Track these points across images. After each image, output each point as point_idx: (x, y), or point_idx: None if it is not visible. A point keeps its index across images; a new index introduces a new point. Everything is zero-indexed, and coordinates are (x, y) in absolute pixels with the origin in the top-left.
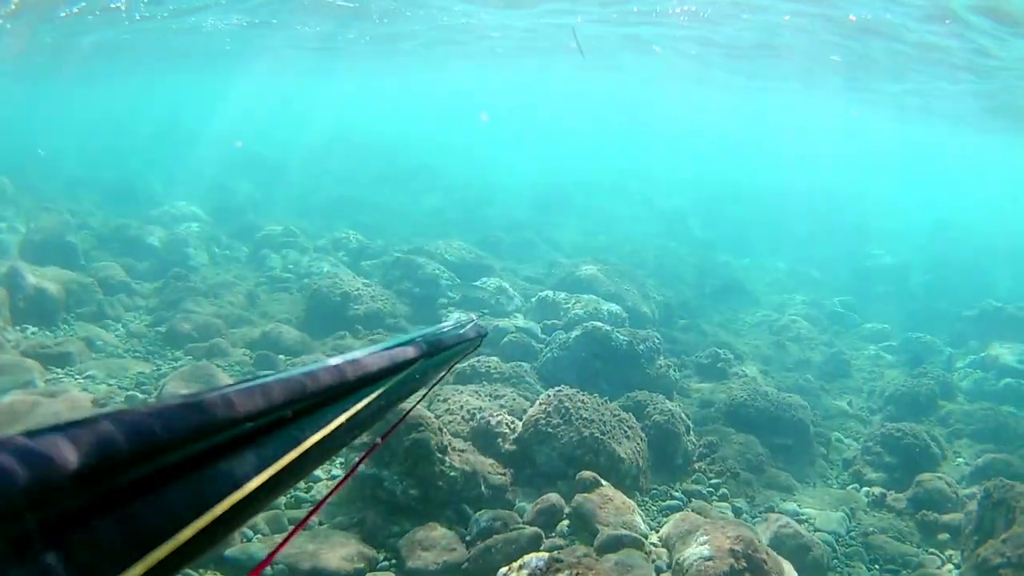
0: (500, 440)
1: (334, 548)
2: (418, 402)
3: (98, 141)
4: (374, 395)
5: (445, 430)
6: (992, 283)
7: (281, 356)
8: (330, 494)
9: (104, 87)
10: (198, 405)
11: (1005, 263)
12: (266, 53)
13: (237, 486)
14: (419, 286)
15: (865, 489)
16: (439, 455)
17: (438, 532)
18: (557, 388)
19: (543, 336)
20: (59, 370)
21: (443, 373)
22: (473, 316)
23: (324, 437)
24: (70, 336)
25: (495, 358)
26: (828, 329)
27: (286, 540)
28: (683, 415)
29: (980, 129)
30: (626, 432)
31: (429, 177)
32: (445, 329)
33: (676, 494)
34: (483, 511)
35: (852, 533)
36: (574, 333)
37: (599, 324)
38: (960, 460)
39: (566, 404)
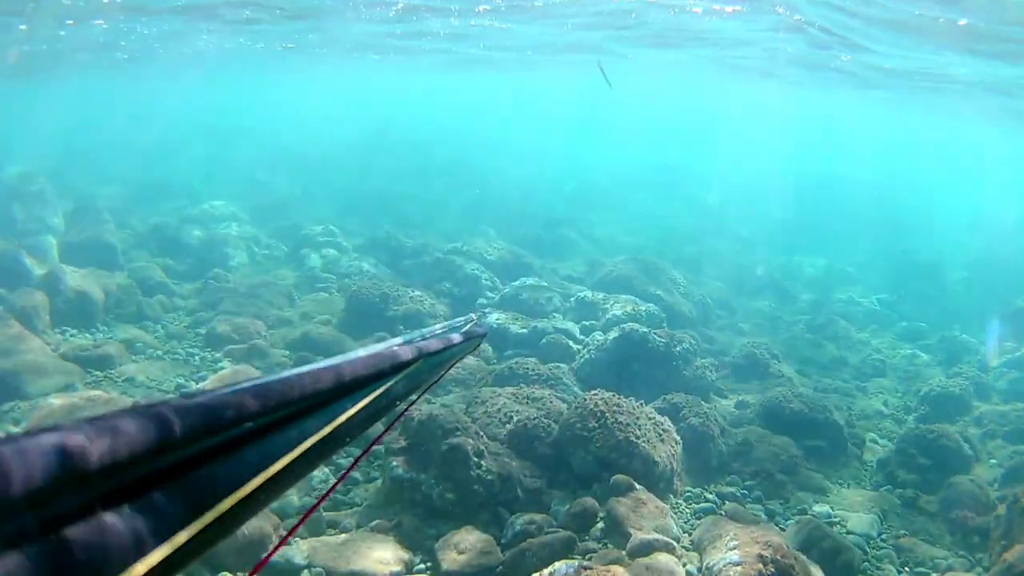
0: (536, 443)
1: (372, 551)
2: (416, 400)
3: (138, 139)
4: (375, 394)
5: (482, 434)
6: None
7: (320, 357)
8: (330, 490)
9: (144, 85)
10: (197, 404)
11: None
12: (306, 51)
13: (238, 486)
14: (459, 286)
15: (898, 491)
16: (475, 459)
17: (474, 535)
18: (593, 391)
19: (581, 337)
20: (99, 373)
21: (444, 372)
22: (473, 316)
23: (324, 436)
24: (109, 338)
25: (533, 359)
26: (866, 327)
27: (286, 538)
28: (718, 417)
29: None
30: (660, 435)
31: (469, 173)
32: (446, 329)
33: (710, 496)
34: (518, 514)
35: (883, 535)
36: (611, 335)
37: (636, 325)
38: (993, 461)
39: (601, 407)
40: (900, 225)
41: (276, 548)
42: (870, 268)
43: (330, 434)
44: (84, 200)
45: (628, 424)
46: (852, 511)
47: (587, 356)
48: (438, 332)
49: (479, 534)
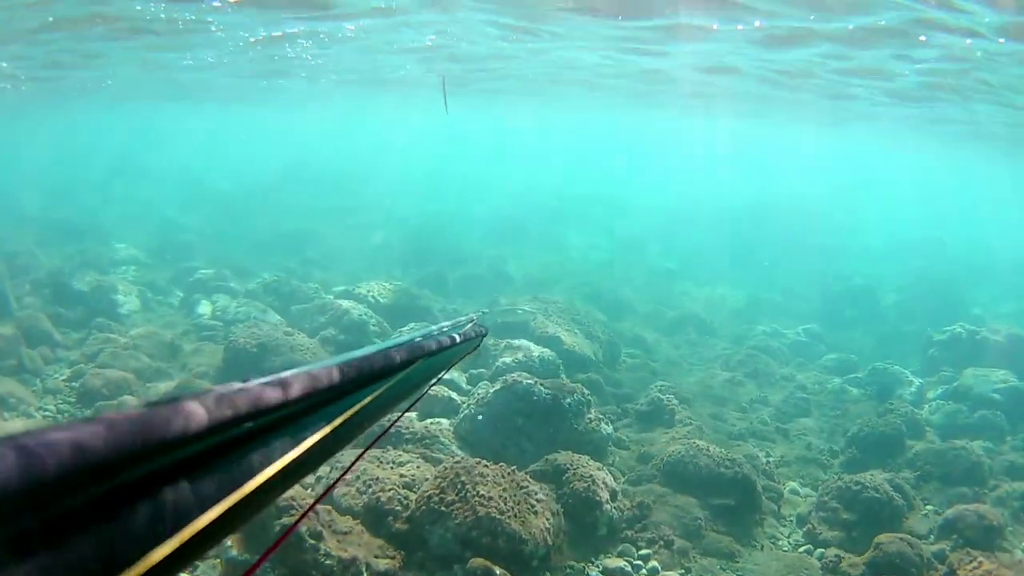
0: (391, 519)
1: None
2: (417, 400)
3: (54, 176)
4: (376, 393)
5: (325, 509)
6: (968, 302)
7: None
8: (329, 488)
9: (62, 118)
10: (200, 403)
11: (982, 280)
12: (227, 87)
13: (239, 485)
14: (344, 333)
15: (819, 551)
16: (311, 541)
17: None
18: (456, 459)
19: (467, 388)
20: None
21: (443, 373)
22: (473, 316)
23: (327, 435)
24: None
25: (412, 414)
26: (790, 361)
27: (280, 540)
28: (607, 479)
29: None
30: (533, 506)
31: (383, 210)
32: (446, 329)
33: (592, 573)
34: None
35: None
36: (494, 388)
37: (521, 376)
38: (929, 507)
39: (462, 478)
40: (834, 248)
41: (274, 547)
42: (799, 296)
43: (330, 434)
44: None
45: (492, 497)
46: None
47: (468, 412)
48: (439, 332)
49: None
